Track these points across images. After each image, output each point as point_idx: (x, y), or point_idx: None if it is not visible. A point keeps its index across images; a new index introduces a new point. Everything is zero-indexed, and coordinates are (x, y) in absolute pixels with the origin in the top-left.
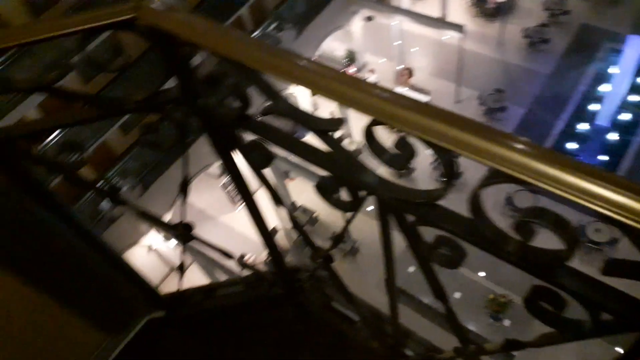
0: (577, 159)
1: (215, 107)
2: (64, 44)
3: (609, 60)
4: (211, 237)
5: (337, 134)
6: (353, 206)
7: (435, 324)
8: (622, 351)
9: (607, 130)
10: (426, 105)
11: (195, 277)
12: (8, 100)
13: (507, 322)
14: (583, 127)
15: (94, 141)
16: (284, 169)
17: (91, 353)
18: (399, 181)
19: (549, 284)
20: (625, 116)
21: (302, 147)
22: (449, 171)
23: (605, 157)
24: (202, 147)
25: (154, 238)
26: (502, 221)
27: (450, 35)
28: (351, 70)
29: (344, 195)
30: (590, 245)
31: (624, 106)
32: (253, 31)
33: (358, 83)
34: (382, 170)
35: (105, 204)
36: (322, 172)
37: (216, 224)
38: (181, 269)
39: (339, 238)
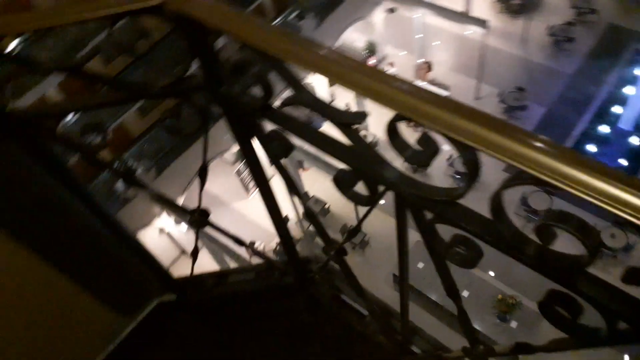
0: (606, 165)
1: (239, 96)
2: (86, 24)
3: (635, 62)
4: (222, 223)
5: (359, 128)
6: (370, 200)
7: (442, 322)
8: (627, 358)
9: (630, 134)
10: (452, 101)
11: (205, 262)
12: (29, 79)
13: (514, 324)
14: (604, 129)
15: (111, 122)
16: (298, 159)
17: (101, 332)
18: (413, 176)
19: (567, 289)
20: None
21: (322, 139)
22: (472, 170)
23: (625, 162)
24: (217, 133)
25: (165, 221)
26: (517, 221)
27: (473, 31)
28: (371, 62)
29: (362, 189)
30: (604, 250)
31: None
32: (274, 19)
33: (385, 77)
34: (398, 164)
35: (119, 185)
36: (340, 164)
37: (228, 210)
38: (194, 254)
39: (354, 231)
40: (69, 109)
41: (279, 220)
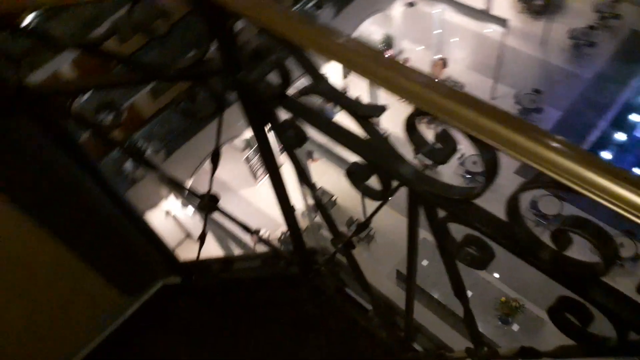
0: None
1: (256, 82)
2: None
3: None
4: (228, 209)
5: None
6: (383, 195)
7: (443, 321)
8: None
9: None
10: (476, 99)
11: (209, 247)
12: (43, 54)
13: (515, 327)
14: (620, 137)
15: (123, 102)
16: (308, 149)
17: (106, 309)
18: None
19: (579, 297)
20: None
21: (338, 130)
22: (490, 170)
23: None
24: (230, 118)
25: (172, 203)
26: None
27: (493, 29)
28: (387, 55)
29: (375, 183)
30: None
31: None
32: (291, 6)
33: (409, 71)
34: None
35: (128, 165)
36: (351, 157)
37: (235, 196)
38: (202, 238)
39: (363, 225)
40: (85, 88)
41: (287, 210)
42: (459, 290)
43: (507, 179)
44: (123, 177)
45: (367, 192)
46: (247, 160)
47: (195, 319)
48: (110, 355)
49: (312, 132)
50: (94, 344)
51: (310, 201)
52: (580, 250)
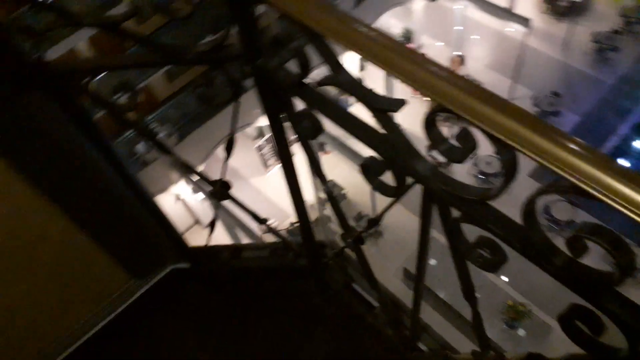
0: None
1: (275, 70)
2: None
3: None
4: (238, 197)
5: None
6: (397, 192)
7: (448, 322)
8: None
9: None
10: (500, 98)
11: (216, 233)
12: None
13: (521, 332)
14: (639, 145)
15: (138, 83)
16: (320, 141)
17: (114, 291)
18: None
19: (591, 305)
20: None
21: (354, 123)
22: (509, 170)
23: None
24: (245, 105)
25: (182, 188)
26: None
27: (515, 29)
28: None
29: (388, 179)
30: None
31: None
32: None
33: (433, 66)
34: None
35: (140, 147)
36: (365, 151)
37: (245, 184)
38: (212, 225)
39: (375, 221)
40: (103, 67)
41: (298, 201)
42: (468, 292)
43: (521, 181)
44: (135, 159)
45: (380, 188)
46: (259, 148)
47: (203, 304)
48: (117, 337)
49: (325, 124)
50: (101, 325)
51: (321, 194)
52: (593, 257)
